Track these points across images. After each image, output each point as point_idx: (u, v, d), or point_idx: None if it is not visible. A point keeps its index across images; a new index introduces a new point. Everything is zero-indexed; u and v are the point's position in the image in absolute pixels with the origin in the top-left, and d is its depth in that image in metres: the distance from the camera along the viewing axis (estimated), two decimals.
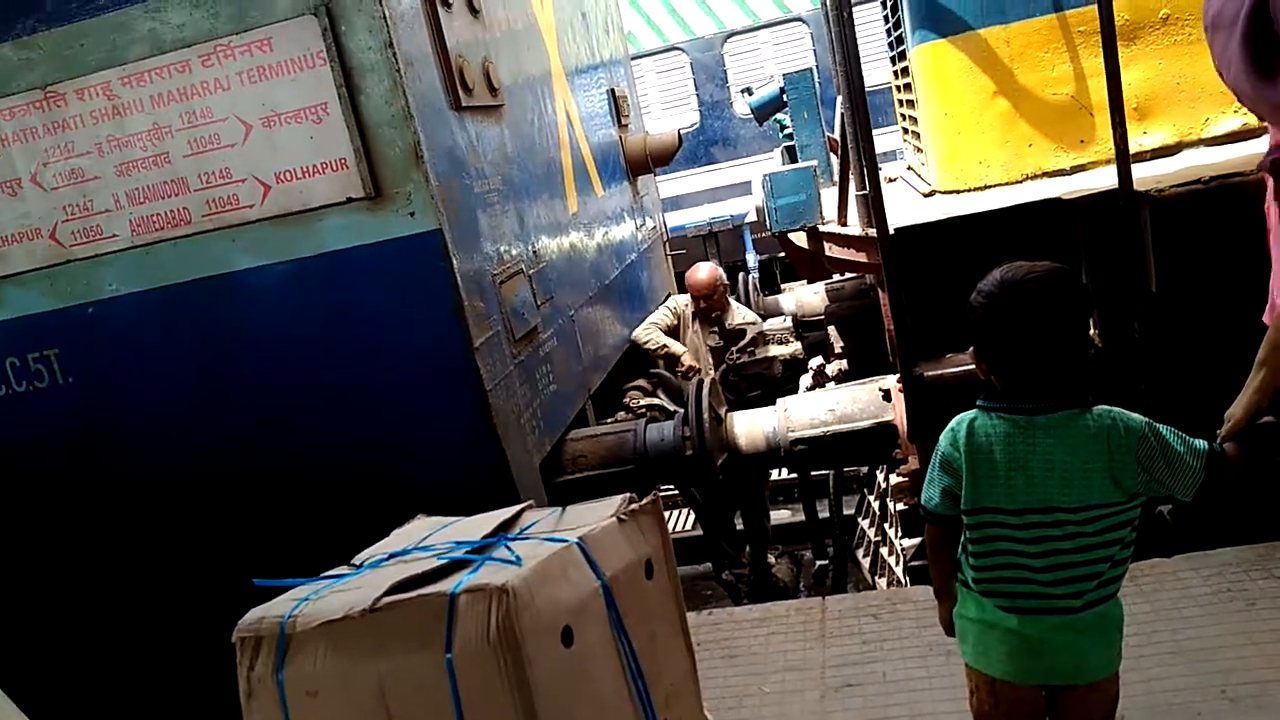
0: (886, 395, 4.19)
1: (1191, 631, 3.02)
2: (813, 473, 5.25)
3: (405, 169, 3.09)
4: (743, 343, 5.76)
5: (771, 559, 5.94)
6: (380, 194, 3.12)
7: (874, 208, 3.71)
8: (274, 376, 3.37)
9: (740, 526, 5.82)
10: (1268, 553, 3.35)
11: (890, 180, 5.33)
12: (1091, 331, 3.75)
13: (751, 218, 10.12)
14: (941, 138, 4.35)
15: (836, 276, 6.01)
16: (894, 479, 4.22)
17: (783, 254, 8.01)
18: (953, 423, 1.96)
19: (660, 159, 6.31)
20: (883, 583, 4.96)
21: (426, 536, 1.98)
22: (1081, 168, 4.12)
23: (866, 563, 5.39)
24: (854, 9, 3.77)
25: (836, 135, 4.62)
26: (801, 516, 6.28)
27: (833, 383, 5.27)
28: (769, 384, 5.66)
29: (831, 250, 4.74)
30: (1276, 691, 2.68)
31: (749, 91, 8.78)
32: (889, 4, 4.94)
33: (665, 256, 7.16)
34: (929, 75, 4.35)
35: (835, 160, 5.00)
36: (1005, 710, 1.96)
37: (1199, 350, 3.30)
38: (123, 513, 3.56)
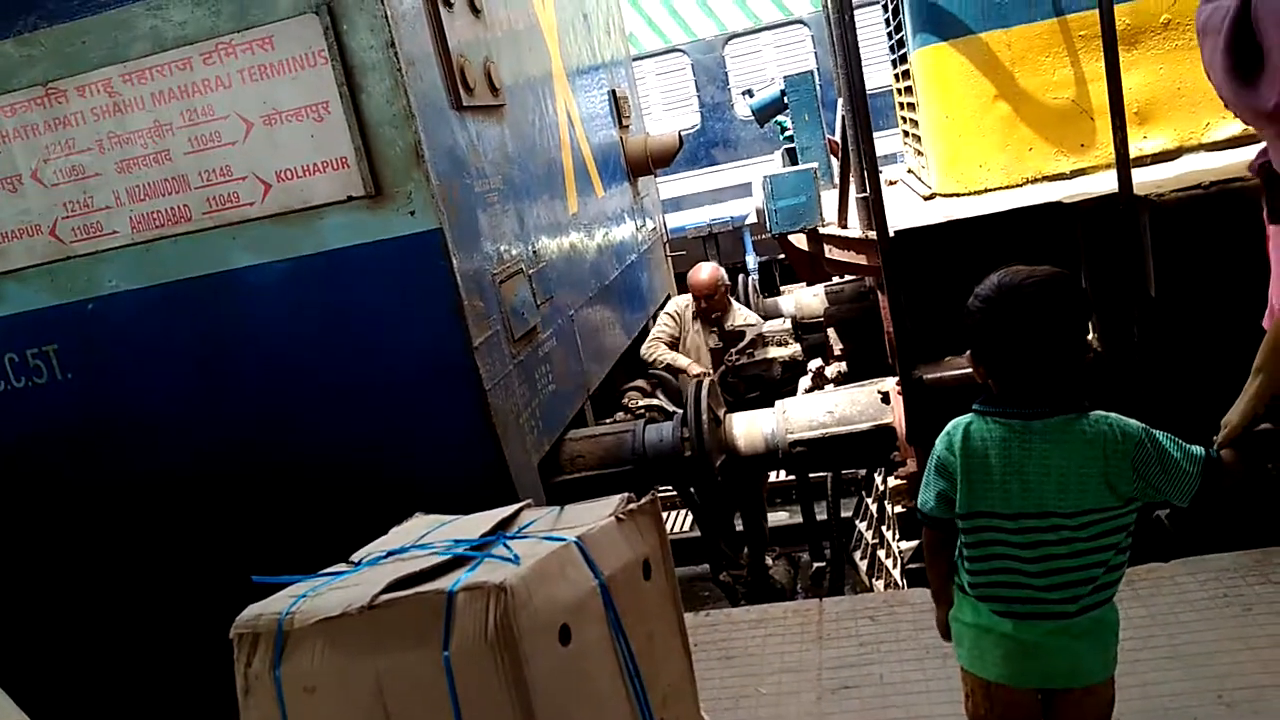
0: (885, 398, 4.19)
1: (1188, 636, 3.02)
2: (811, 475, 5.26)
3: (406, 168, 3.09)
4: (742, 344, 5.77)
5: (769, 561, 5.95)
6: (381, 193, 3.13)
7: (874, 210, 3.71)
8: (273, 374, 3.37)
9: (738, 528, 5.82)
10: (1265, 558, 3.35)
11: (890, 183, 5.34)
12: (1090, 336, 3.76)
13: (751, 219, 10.12)
14: (942, 141, 4.36)
15: (836, 279, 6.02)
16: (892, 482, 4.23)
17: (782, 256, 8.02)
18: (949, 426, 1.96)
19: (661, 160, 6.31)
20: (880, 585, 4.96)
21: (424, 534, 1.98)
22: (1082, 172, 4.13)
23: (864, 565, 5.39)
24: (855, 12, 3.78)
25: (837, 138, 4.63)
26: (799, 519, 6.29)
27: (832, 385, 5.28)
28: (768, 386, 5.66)
29: (831, 252, 4.74)
30: (1273, 696, 2.68)
31: (750, 93, 8.78)
32: (890, 7, 4.95)
33: (665, 257, 7.17)
34: (930, 78, 4.35)
35: (836, 162, 5.01)
36: (1000, 714, 1.97)
37: (1198, 355, 3.30)
38: (121, 509, 3.56)
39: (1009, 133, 4.19)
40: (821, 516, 5.73)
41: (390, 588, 1.67)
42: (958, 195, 4.29)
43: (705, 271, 5.92)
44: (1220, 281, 3.15)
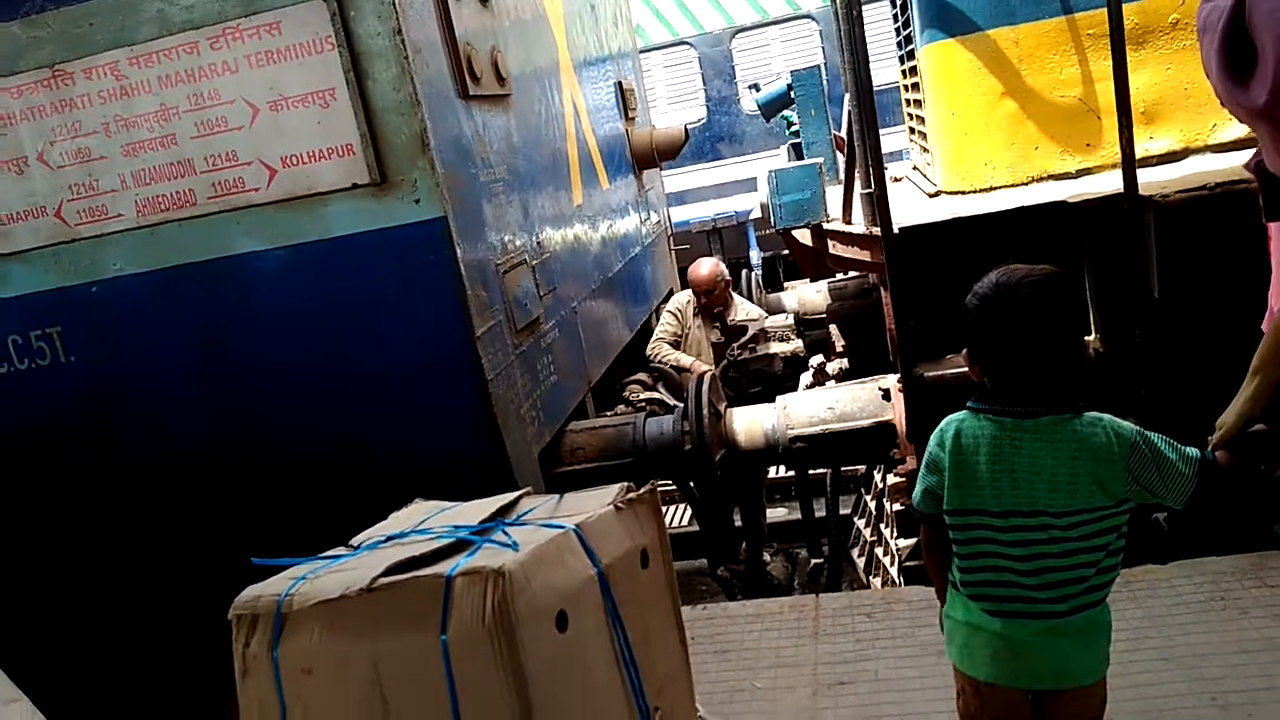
0: (886, 395, 4.19)
1: (1183, 638, 3.03)
2: (810, 471, 5.26)
3: (411, 156, 3.10)
4: (744, 339, 5.76)
5: (767, 556, 5.95)
6: (386, 180, 3.13)
7: (879, 206, 3.71)
8: (275, 360, 3.37)
9: (737, 523, 5.83)
10: (1261, 562, 3.35)
11: (896, 180, 5.33)
12: (1092, 336, 3.76)
13: (756, 214, 10.10)
14: (948, 138, 4.35)
15: (839, 275, 6.02)
16: (891, 479, 4.23)
17: (786, 251, 8.01)
18: (943, 423, 1.97)
19: (666, 153, 6.31)
20: (877, 582, 4.97)
21: (424, 520, 1.99)
22: (1087, 171, 4.12)
23: (861, 562, 5.39)
24: (863, 7, 3.77)
25: (843, 133, 4.62)
26: (798, 515, 6.29)
27: (833, 381, 5.28)
28: (769, 381, 5.66)
29: (835, 248, 4.74)
30: (1267, 700, 2.69)
31: (756, 88, 8.77)
32: (898, 3, 4.94)
33: (669, 251, 7.17)
34: (937, 75, 4.35)
35: (841, 158, 5.00)
36: (991, 713, 1.96)
37: (1200, 356, 3.30)
38: (122, 492, 3.57)
39: (1015, 131, 4.18)
40: (820, 513, 5.74)
41: (389, 571, 1.67)
42: (963, 193, 4.29)
43: (705, 267, 5.91)
44: (1223, 283, 3.14)
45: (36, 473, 3.64)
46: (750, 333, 5.79)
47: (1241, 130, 3.93)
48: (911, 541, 4.24)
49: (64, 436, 3.59)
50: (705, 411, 4.20)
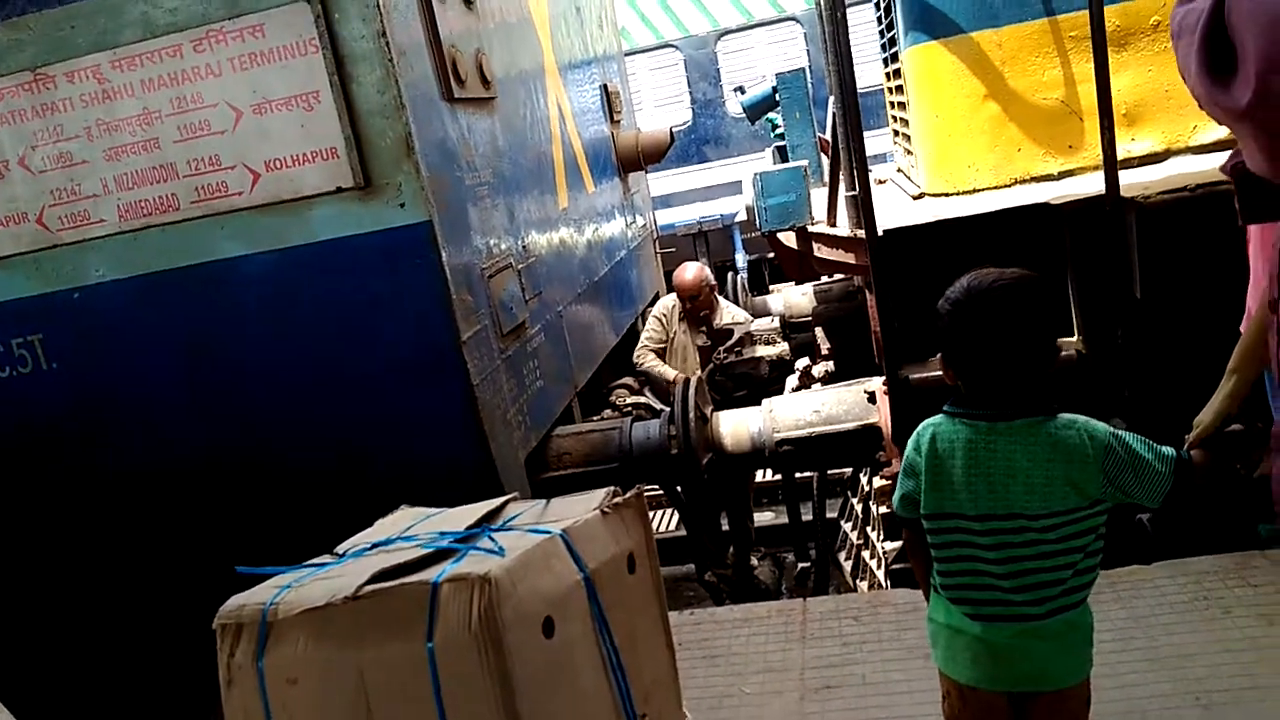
0: (872, 397, 4.20)
1: (1167, 638, 3.04)
2: (797, 474, 5.27)
3: (396, 159, 3.09)
4: (730, 343, 5.76)
5: (754, 561, 5.95)
6: (370, 184, 3.12)
7: (863, 209, 3.72)
8: (260, 365, 3.36)
9: (724, 527, 5.83)
10: (1244, 561, 3.38)
11: (880, 182, 5.35)
12: (1074, 336, 3.78)
13: (741, 217, 10.13)
14: (932, 140, 4.37)
15: (825, 278, 6.03)
16: (877, 482, 4.23)
17: (772, 254, 8.02)
18: (919, 428, 1.98)
19: (652, 156, 6.31)
20: (864, 586, 4.98)
21: (410, 527, 1.98)
22: (1070, 173, 4.14)
23: (848, 566, 5.40)
24: (847, 10, 3.78)
25: (828, 136, 4.63)
26: (785, 519, 6.29)
27: (819, 384, 5.29)
28: (756, 384, 5.66)
29: (820, 251, 4.75)
30: (1250, 699, 2.71)
31: (742, 90, 8.78)
32: (882, 5, 4.96)
33: (655, 254, 7.17)
34: (920, 77, 4.36)
35: (826, 161, 5.02)
36: (974, 715, 1.97)
37: (1182, 357, 3.32)
38: (106, 499, 3.54)
39: (998, 133, 4.20)
40: (807, 517, 5.74)
41: (375, 579, 1.66)
42: (946, 195, 4.31)
43: (690, 272, 5.90)
44: (1204, 284, 3.16)
45: (18, 481, 3.60)
46: (736, 336, 5.79)
47: (1222, 132, 3.96)
48: (898, 544, 4.25)
49: (47, 444, 3.55)
50: (692, 415, 4.20)
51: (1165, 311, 3.55)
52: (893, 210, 4.37)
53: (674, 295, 6.02)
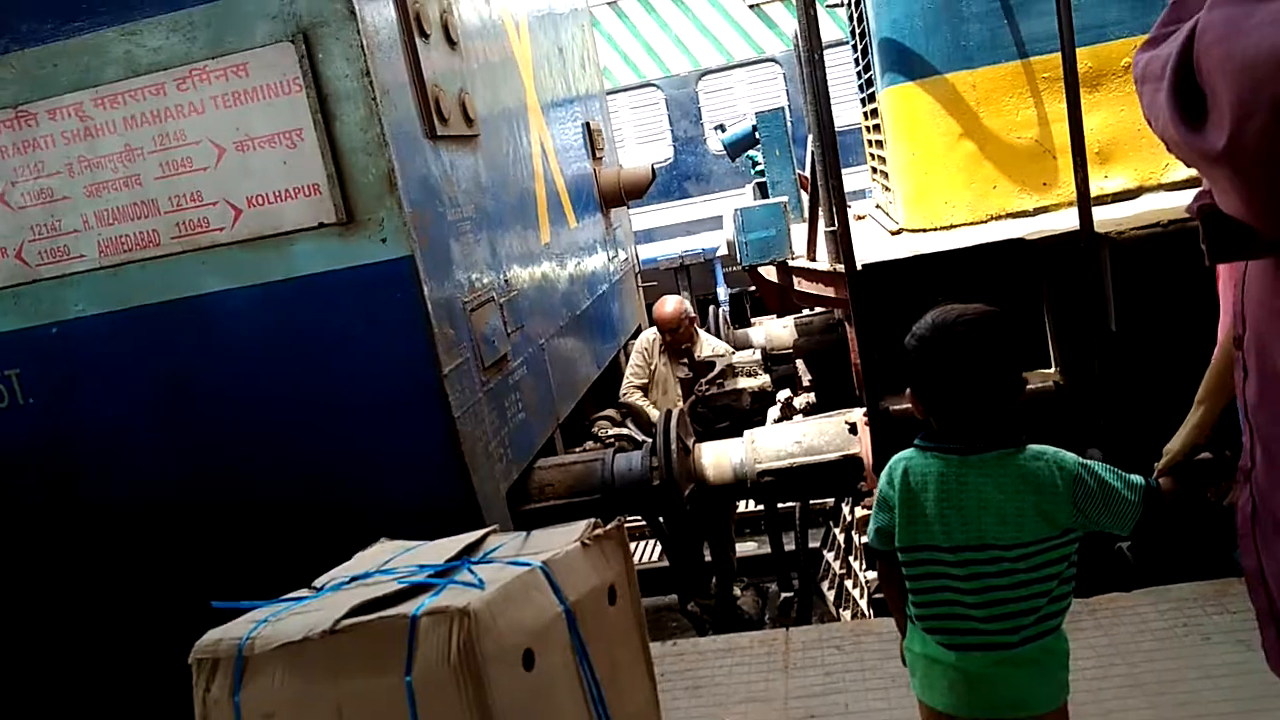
0: (853, 428, 4.23)
1: (1148, 665, 3.06)
2: (779, 505, 5.27)
3: (378, 195, 3.11)
4: (711, 375, 5.79)
5: (737, 591, 5.94)
6: (353, 220, 3.13)
7: (842, 244, 3.77)
8: (241, 400, 3.34)
9: (707, 558, 5.82)
10: (1223, 588, 3.40)
11: (859, 218, 5.42)
12: (1053, 369, 3.83)
13: (723, 251, 10.21)
14: (909, 178, 4.44)
15: (805, 311, 6.08)
16: (859, 512, 4.25)
17: (753, 288, 8.08)
18: (891, 461, 2.00)
19: (633, 192, 6.36)
20: (846, 615, 4.97)
21: (389, 560, 1.98)
22: (1044, 209, 4.22)
23: (831, 595, 5.40)
24: (825, 51, 3.85)
25: (807, 173, 4.70)
26: (767, 549, 6.29)
27: (800, 415, 5.31)
28: (737, 416, 5.68)
29: (800, 285, 4.80)
30: None
31: (722, 128, 8.91)
32: (859, 47, 5.05)
33: (637, 288, 7.21)
34: (897, 117, 4.44)
35: (805, 197, 5.08)
36: None
37: (1157, 387, 3.36)
38: (84, 535, 3.51)
39: (974, 171, 4.27)
40: (789, 547, 5.74)
41: (353, 613, 1.66)
42: (924, 230, 4.37)
43: (669, 305, 5.94)
44: (1177, 317, 3.22)
45: None
46: (718, 368, 5.82)
47: (1193, 170, 4.04)
48: None
49: (24, 479, 3.52)
50: (674, 447, 4.20)
51: (1140, 344, 3.60)
52: (871, 245, 4.43)
53: (654, 329, 6.05)
